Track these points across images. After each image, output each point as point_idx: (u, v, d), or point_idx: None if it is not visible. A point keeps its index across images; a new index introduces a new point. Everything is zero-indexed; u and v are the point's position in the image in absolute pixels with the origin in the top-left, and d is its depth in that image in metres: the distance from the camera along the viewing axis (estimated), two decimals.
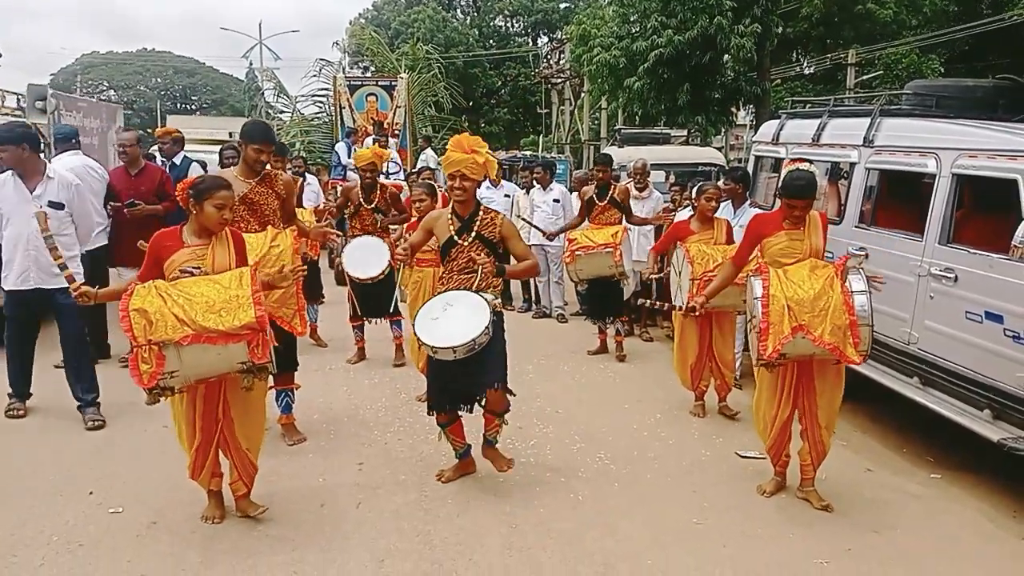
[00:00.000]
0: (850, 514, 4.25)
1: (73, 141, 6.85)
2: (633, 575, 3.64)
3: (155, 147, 8.50)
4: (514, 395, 4.51)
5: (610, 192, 7.44)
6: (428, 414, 4.54)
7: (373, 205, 6.98)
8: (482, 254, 4.29)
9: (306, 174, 10.47)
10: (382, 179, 11.61)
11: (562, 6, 40.25)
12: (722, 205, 6.51)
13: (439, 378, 4.38)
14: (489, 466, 4.62)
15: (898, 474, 4.87)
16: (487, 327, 4.07)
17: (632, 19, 18.57)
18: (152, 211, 6.52)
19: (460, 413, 4.47)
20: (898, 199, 5.73)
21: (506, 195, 9.52)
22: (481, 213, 4.41)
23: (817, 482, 4.44)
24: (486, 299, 4.21)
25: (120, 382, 5.34)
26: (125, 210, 6.45)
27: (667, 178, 10.13)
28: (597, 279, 7.23)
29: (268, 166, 4.91)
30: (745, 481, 4.65)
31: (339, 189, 12.20)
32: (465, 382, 4.32)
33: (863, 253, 4.71)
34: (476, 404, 4.42)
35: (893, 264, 5.23)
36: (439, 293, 4.37)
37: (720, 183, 6.67)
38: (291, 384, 5.21)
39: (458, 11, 42.32)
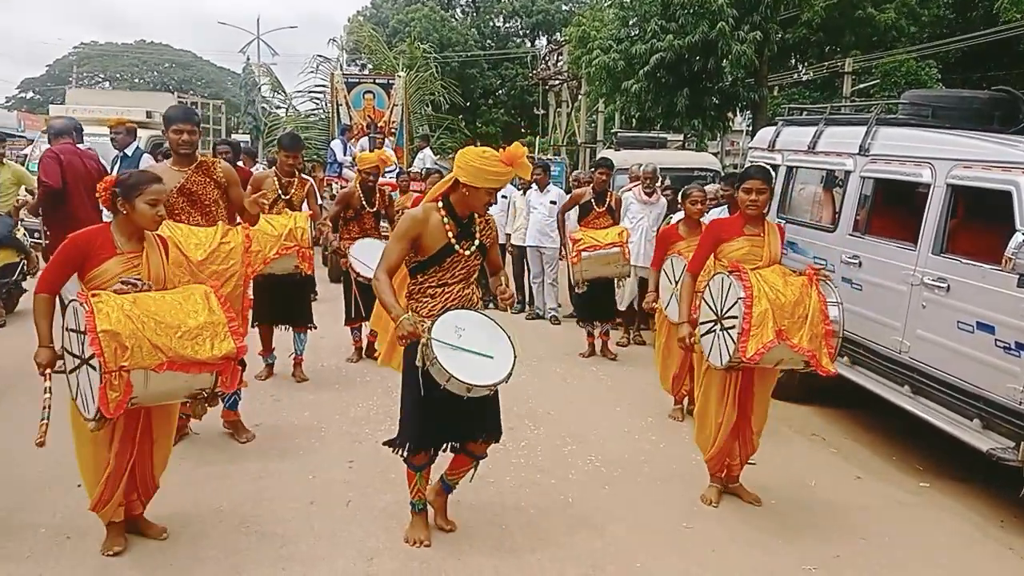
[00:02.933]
0: (839, 521, 4.27)
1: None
2: None
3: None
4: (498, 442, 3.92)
5: (607, 200, 7.46)
6: (399, 453, 3.77)
7: (375, 208, 6.92)
8: (502, 287, 3.83)
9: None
10: (381, 179, 11.70)
11: (564, 8, 40.27)
12: (719, 210, 6.53)
13: (435, 413, 3.61)
14: (481, 468, 4.13)
15: (887, 482, 4.89)
16: (516, 356, 3.56)
17: (632, 22, 18.59)
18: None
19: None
20: (892, 208, 5.75)
21: (503, 196, 9.51)
22: (477, 216, 3.81)
23: (805, 488, 4.46)
24: (496, 321, 3.68)
25: None
26: None
27: (662, 182, 10.14)
28: (596, 280, 7.20)
29: (208, 154, 4.85)
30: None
31: (334, 188, 12.28)
32: (462, 422, 3.71)
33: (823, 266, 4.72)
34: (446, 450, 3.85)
35: (886, 273, 5.26)
36: (436, 313, 3.59)
37: (715, 187, 6.68)
38: (240, 384, 5.04)
39: (457, 10, 42.28)
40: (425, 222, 3.66)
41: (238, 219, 4.95)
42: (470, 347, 3.48)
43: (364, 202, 6.88)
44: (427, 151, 14.53)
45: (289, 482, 4.51)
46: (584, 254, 7.07)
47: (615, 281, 7.54)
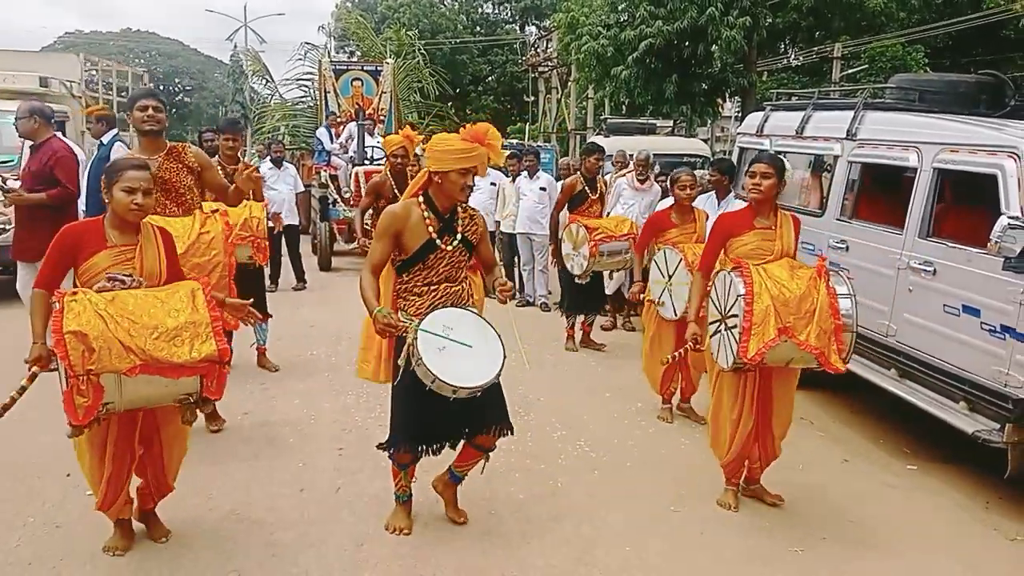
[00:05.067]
0: (826, 503, 4.30)
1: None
2: (611, 561, 3.66)
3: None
4: (512, 433, 3.84)
5: (598, 186, 7.33)
6: (387, 450, 3.74)
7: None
8: (500, 281, 3.68)
9: (284, 161, 10.42)
10: (370, 167, 11.62)
11: None
12: (707, 196, 6.52)
13: (425, 412, 3.55)
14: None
15: (874, 465, 4.93)
16: (505, 356, 3.48)
17: (620, 8, 18.54)
18: (30, 199, 5.94)
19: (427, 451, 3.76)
20: (879, 192, 5.77)
21: (492, 183, 9.49)
22: (460, 210, 3.70)
23: (793, 471, 4.48)
24: (487, 321, 3.60)
25: None
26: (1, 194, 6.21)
27: (652, 167, 10.15)
28: (596, 272, 7.03)
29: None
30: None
31: (323, 176, 12.23)
32: (458, 419, 3.63)
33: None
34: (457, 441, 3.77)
35: (873, 257, 5.28)
36: (422, 313, 3.52)
37: (704, 173, 6.67)
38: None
39: None
40: (406, 218, 3.58)
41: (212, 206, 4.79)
42: (457, 347, 3.38)
43: (396, 190, 6.23)
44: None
45: (279, 469, 4.51)
46: (601, 246, 6.79)
47: (606, 272, 7.38)
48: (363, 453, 4.75)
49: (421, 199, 3.64)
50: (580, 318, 7.48)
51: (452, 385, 3.32)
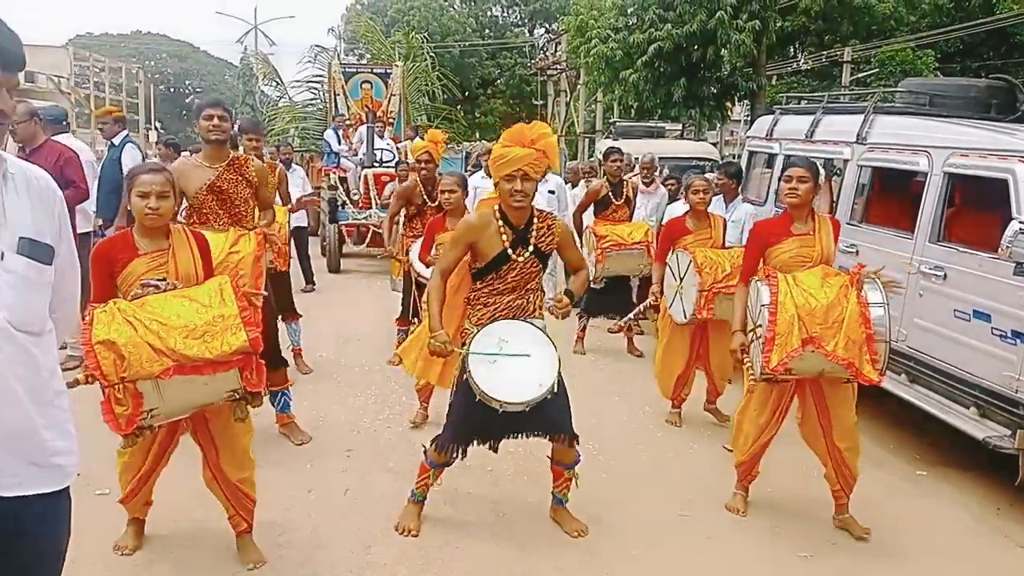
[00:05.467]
0: (829, 506, 4.29)
1: (63, 123, 6.76)
2: (618, 564, 3.66)
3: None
4: (577, 441, 3.79)
5: (624, 190, 7.16)
6: (438, 451, 3.76)
7: (436, 203, 5.94)
8: (556, 296, 3.63)
9: (292, 163, 10.42)
10: (379, 169, 11.64)
11: None
12: (714, 200, 6.51)
13: (478, 417, 3.55)
14: (476, 456, 4.14)
15: (884, 470, 4.91)
16: (559, 371, 3.44)
17: (630, 12, 18.54)
18: None
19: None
20: (890, 197, 5.76)
21: (551, 191, 9.41)
22: (536, 220, 3.66)
23: (801, 476, 4.46)
24: (545, 332, 3.58)
25: None
26: None
27: (660, 172, 10.15)
28: (614, 276, 6.97)
29: (240, 149, 4.64)
30: (732, 474, 4.66)
31: (332, 178, 12.26)
32: (513, 425, 3.61)
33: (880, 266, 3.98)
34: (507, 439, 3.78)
35: (883, 261, 5.24)
36: (483, 324, 3.55)
37: (712, 176, 6.65)
38: (285, 382, 4.96)
39: (456, 0, 42.17)
40: (482, 229, 3.61)
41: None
42: (508, 361, 3.39)
43: (425, 196, 6.14)
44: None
45: (288, 471, 4.52)
46: (609, 253, 6.76)
47: (630, 276, 7.26)
48: (371, 455, 4.76)
49: (496, 210, 3.65)
50: (621, 325, 7.41)
51: (498, 400, 3.35)
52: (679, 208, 7.37)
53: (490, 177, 9.02)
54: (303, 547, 3.69)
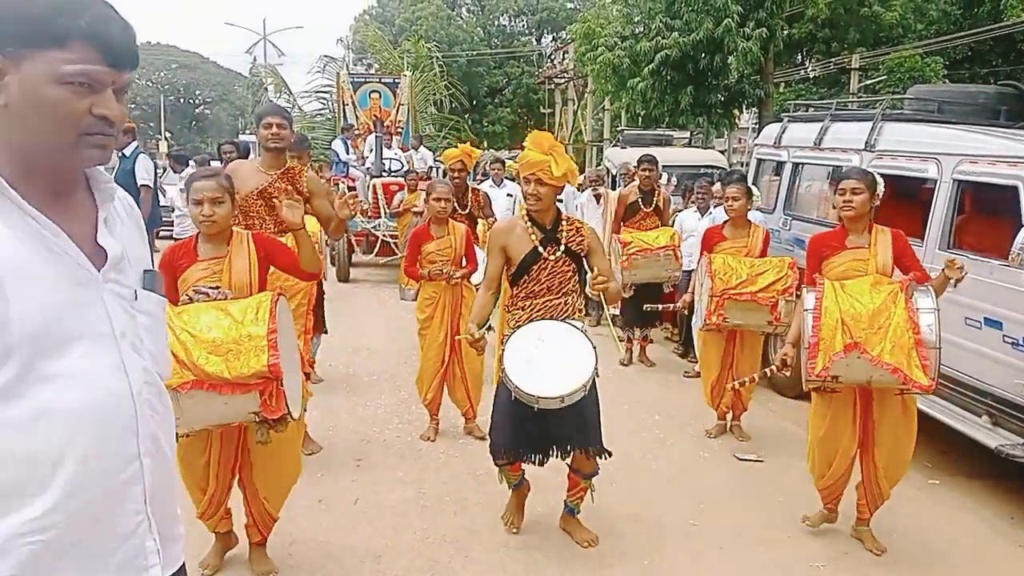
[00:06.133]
0: (846, 518, 4.26)
1: None
2: (629, 574, 3.65)
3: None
4: (610, 455, 3.82)
5: (655, 198, 7.09)
6: (496, 461, 3.80)
7: (467, 211, 6.03)
8: (598, 281, 3.54)
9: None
10: (388, 178, 11.67)
11: (568, 5, 40.24)
12: (718, 209, 6.50)
13: (519, 419, 3.58)
14: (485, 465, 4.26)
15: None
16: (596, 367, 3.46)
17: (636, 20, 18.57)
18: None
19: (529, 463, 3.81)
20: (899, 204, 5.73)
21: (508, 194, 9.48)
22: (564, 223, 3.75)
23: (813, 485, 4.44)
24: (583, 331, 3.58)
25: None
26: None
27: (669, 180, 10.14)
28: (644, 285, 6.84)
29: (296, 161, 4.65)
30: (743, 484, 4.66)
31: (341, 187, 12.30)
32: (553, 430, 3.65)
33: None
34: (555, 456, 3.77)
35: None
36: (520, 324, 3.60)
37: (716, 187, 6.63)
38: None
39: (463, 9, 42.31)
40: (510, 231, 3.72)
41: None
42: (544, 358, 3.41)
43: (456, 204, 5.94)
44: (423, 150, 14.52)
45: (298, 481, 4.52)
46: (635, 258, 6.70)
47: (662, 285, 7.13)
48: (381, 464, 4.77)
49: (524, 214, 3.75)
50: (639, 335, 7.38)
51: (533, 395, 3.35)
52: (690, 217, 7.38)
53: (498, 186, 9.16)
54: (314, 557, 3.69)
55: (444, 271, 5.08)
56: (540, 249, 3.66)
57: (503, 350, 3.48)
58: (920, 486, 4.79)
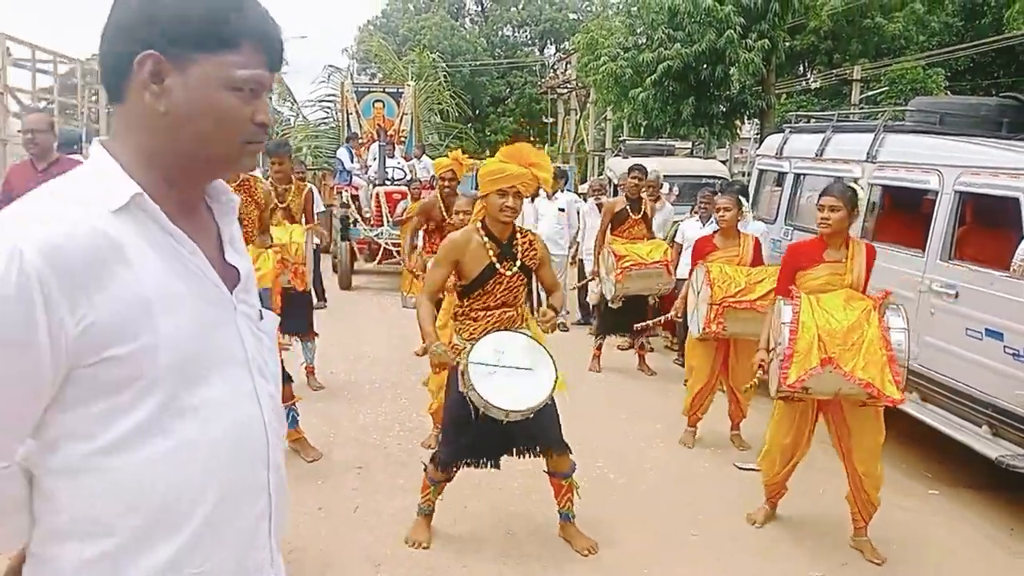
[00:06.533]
0: (846, 528, 4.25)
1: (75, 147, 6.74)
2: None
3: None
4: (570, 451, 3.88)
5: (643, 206, 7.14)
6: (437, 469, 3.81)
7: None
8: (542, 310, 3.60)
9: (306, 181, 10.46)
10: (391, 187, 11.71)
11: (571, 16, 40.41)
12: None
13: (470, 432, 3.60)
14: (488, 473, 4.17)
15: (895, 489, 4.86)
16: (557, 377, 3.50)
17: (639, 31, 18.63)
18: None
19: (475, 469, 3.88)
20: (900, 215, 5.76)
21: (560, 208, 9.44)
22: (519, 236, 3.75)
23: (814, 495, 4.44)
24: (540, 343, 3.62)
25: None
26: None
27: (671, 190, 10.16)
28: (632, 296, 6.91)
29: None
30: (742, 493, 4.65)
31: (344, 196, 12.34)
32: (517, 438, 3.68)
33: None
34: (514, 457, 3.82)
35: (894, 279, 5.24)
36: (475, 338, 3.59)
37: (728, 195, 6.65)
38: (291, 398, 4.93)
39: (467, 20, 42.48)
40: (465, 245, 3.66)
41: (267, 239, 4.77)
42: (508, 370, 3.42)
43: (444, 213, 6.11)
44: (425, 159, 14.56)
45: (298, 488, 4.52)
46: (630, 273, 6.73)
47: (647, 297, 7.17)
48: (381, 472, 4.77)
49: (479, 226, 3.71)
50: (637, 344, 7.42)
51: (503, 409, 3.37)
52: (692, 226, 7.40)
53: None
54: (313, 565, 3.69)
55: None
56: (496, 265, 3.64)
57: (464, 363, 3.43)
58: (920, 496, 4.78)
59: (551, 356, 3.55)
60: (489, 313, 3.69)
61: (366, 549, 3.86)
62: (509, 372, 3.42)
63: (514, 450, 3.76)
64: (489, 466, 3.82)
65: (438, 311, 4.10)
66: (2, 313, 1.00)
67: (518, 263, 3.69)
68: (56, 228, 1.03)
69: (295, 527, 4.02)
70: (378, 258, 11.42)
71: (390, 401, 6.17)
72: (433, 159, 15.31)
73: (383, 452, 5.13)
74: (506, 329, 3.65)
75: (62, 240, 1.02)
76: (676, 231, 7.59)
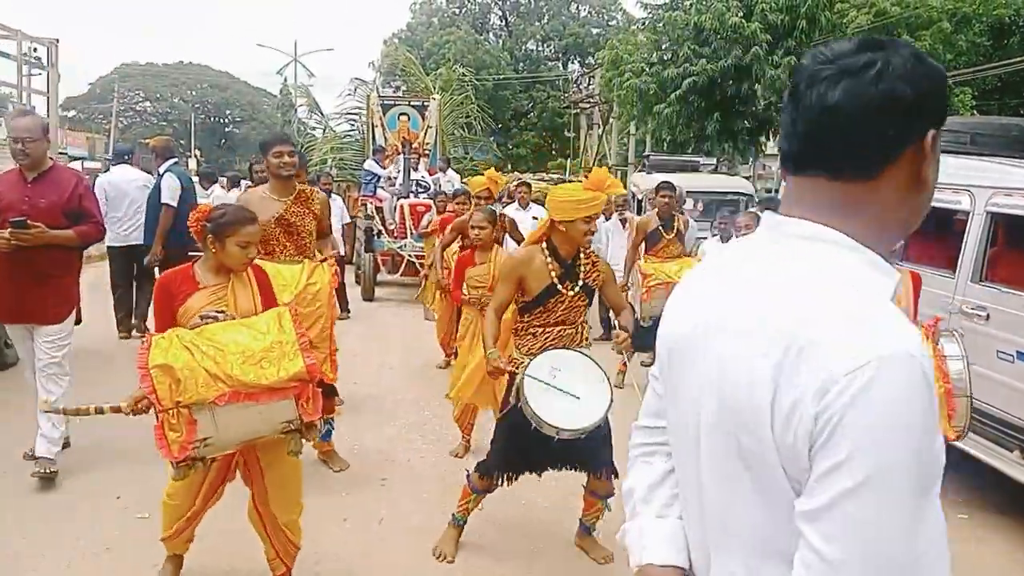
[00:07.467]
0: None
1: (126, 157, 6.92)
2: None
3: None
4: (617, 476, 3.73)
5: (675, 224, 7.07)
6: (482, 477, 3.82)
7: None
8: (616, 333, 3.69)
9: (331, 193, 10.59)
10: (415, 199, 11.77)
11: (594, 31, 40.54)
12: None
13: (522, 442, 3.60)
14: (515, 486, 4.14)
15: None
16: (612, 400, 3.49)
17: (664, 46, 18.68)
18: (56, 238, 4.37)
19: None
20: (930, 235, 5.70)
21: (534, 217, 9.50)
22: (582, 256, 3.77)
23: None
24: (596, 362, 3.61)
25: None
26: (9, 232, 4.23)
27: (695, 205, 10.14)
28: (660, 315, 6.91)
29: (303, 184, 4.74)
30: None
31: (369, 207, 12.42)
32: (569, 456, 3.67)
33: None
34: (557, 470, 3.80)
35: (924, 301, 5.18)
36: (533, 352, 3.63)
37: (748, 213, 6.62)
38: (333, 411, 4.84)
39: (491, 34, 42.73)
40: (528, 264, 3.69)
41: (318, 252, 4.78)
42: (563, 388, 3.44)
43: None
44: (451, 172, 14.63)
45: (322, 500, 4.53)
46: (656, 292, 6.67)
47: None
48: (405, 484, 4.77)
49: (544, 246, 3.72)
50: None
51: (555, 427, 3.37)
52: (713, 245, 7.38)
53: (524, 209, 9.16)
54: None
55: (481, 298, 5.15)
56: (558, 285, 3.68)
57: (520, 378, 3.47)
58: (949, 520, 4.70)
59: (607, 376, 3.54)
60: (548, 330, 3.73)
61: (390, 561, 3.86)
62: (563, 390, 3.44)
63: (562, 463, 3.74)
64: (532, 472, 3.82)
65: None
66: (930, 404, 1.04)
67: (580, 283, 3.72)
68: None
69: (319, 539, 4.03)
70: (401, 270, 11.48)
71: (413, 412, 6.18)
72: (457, 171, 15.45)
73: (407, 464, 5.14)
74: (564, 347, 3.67)
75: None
76: (699, 248, 7.58)
